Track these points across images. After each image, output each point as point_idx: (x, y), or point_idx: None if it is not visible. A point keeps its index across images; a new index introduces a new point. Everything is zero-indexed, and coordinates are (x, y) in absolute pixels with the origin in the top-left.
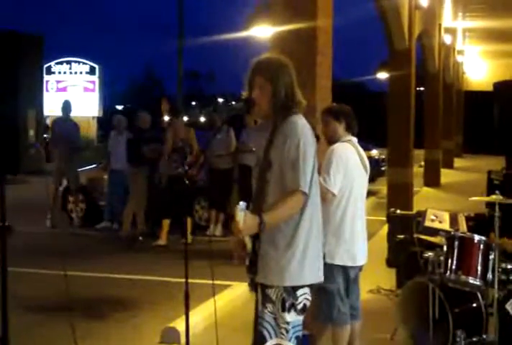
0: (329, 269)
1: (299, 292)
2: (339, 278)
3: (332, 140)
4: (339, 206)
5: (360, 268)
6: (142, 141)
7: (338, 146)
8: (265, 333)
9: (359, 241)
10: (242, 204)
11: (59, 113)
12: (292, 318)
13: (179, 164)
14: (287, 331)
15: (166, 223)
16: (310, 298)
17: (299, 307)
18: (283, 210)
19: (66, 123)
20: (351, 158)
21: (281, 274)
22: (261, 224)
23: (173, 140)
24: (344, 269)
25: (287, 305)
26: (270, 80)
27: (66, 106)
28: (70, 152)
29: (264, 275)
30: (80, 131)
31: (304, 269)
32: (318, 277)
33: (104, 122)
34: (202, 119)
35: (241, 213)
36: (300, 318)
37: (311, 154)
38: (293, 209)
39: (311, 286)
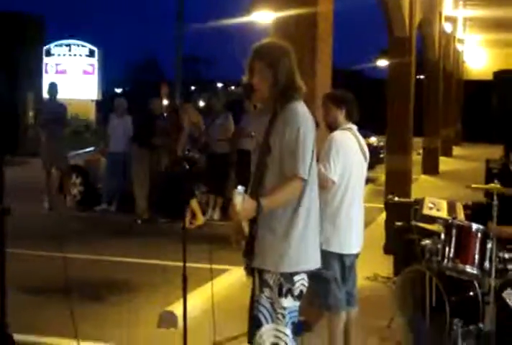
0: (325, 256)
1: (296, 278)
2: (335, 265)
3: (332, 127)
4: (336, 194)
5: (356, 255)
6: (154, 127)
7: (337, 134)
8: (261, 317)
9: (356, 229)
10: (240, 188)
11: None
12: (289, 303)
13: (191, 147)
14: (283, 316)
15: (195, 204)
16: (306, 284)
17: (296, 292)
18: (281, 195)
19: (53, 104)
20: (350, 146)
21: (279, 260)
22: (258, 208)
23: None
24: (340, 256)
25: (284, 290)
26: (270, 65)
27: (52, 88)
28: (56, 133)
29: (262, 260)
30: (79, 114)
31: (301, 255)
32: (316, 263)
33: (103, 105)
34: (201, 104)
35: (239, 196)
36: (297, 303)
37: (311, 142)
38: (291, 195)
39: (307, 272)
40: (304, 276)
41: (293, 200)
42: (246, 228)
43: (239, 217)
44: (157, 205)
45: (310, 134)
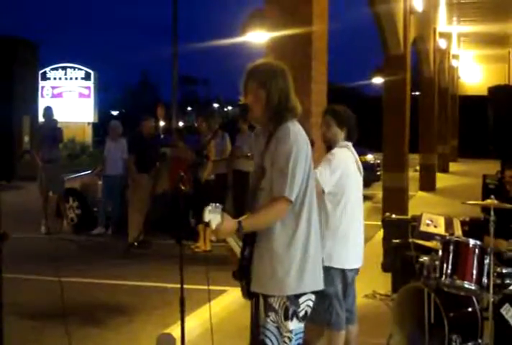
0: (327, 272)
1: (301, 300)
2: (337, 281)
3: (329, 144)
4: (336, 210)
5: (357, 271)
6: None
7: (338, 152)
8: (268, 342)
9: (357, 244)
10: (216, 206)
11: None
12: (294, 325)
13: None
14: (290, 340)
15: (202, 228)
16: (312, 304)
17: (301, 314)
18: (264, 216)
19: (49, 128)
20: (350, 165)
21: (281, 284)
22: (239, 228)
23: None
24: (343, 272)
25: (290, 313)
26: (262, 85)
27: (48, 112)
28: (53, 156)
29: (262, 284)
30: (75, 137)
31: (304, 277)
32: (319, 284)
33: (99, 128)
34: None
35: (210, 214)
36: (302, 325)
37: (302, 163)
38: (275, 216)
39: (313, 291)
40: (310, 296)
41: (277, 221)
42: (236, 249)
43: (217, 236)
44: (155, 227)
45: (302, 155)
